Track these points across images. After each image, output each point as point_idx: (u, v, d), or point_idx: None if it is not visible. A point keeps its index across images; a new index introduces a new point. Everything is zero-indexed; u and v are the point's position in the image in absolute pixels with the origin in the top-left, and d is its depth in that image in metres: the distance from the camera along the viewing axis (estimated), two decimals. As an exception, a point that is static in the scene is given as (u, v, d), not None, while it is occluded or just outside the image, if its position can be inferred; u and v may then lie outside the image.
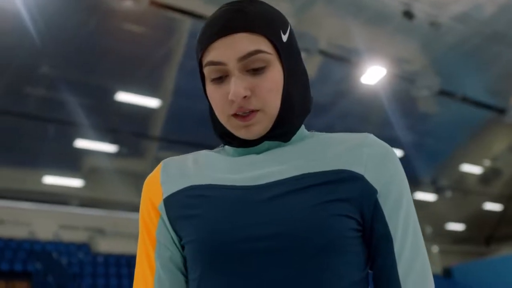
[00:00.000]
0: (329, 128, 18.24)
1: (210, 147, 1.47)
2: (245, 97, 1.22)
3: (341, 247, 1.19)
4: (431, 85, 16.88)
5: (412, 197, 1.29)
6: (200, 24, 9.54)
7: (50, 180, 18.78)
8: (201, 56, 1.26)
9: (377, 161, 1.25)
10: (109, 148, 17.98)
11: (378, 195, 1.24)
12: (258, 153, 1.29)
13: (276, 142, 1.29)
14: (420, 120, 19.19)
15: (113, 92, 15.78)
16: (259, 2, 1.29)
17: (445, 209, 25.27)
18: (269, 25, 1.25)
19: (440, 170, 22.80)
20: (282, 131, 1.28)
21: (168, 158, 1.37)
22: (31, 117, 16.08)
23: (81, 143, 17.50)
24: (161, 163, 1.36)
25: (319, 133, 1.36)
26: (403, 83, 16.75)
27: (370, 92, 16.65)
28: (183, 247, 1.28)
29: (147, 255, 1.31)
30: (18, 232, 17.86)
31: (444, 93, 17.55)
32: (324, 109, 17.12)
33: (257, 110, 1.23)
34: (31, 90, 15.68)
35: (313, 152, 1.27)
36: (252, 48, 1.21)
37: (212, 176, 1.28)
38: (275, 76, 1.24)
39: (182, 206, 1.27)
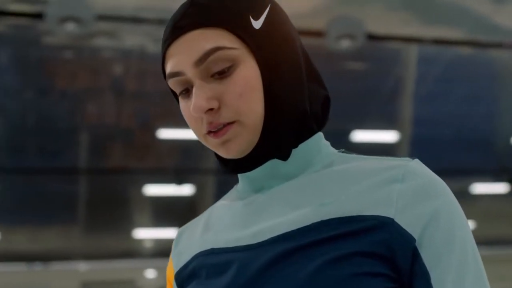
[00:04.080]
0: None
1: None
2: (212, 109, 0.97)
3: None
4: None
5: None
6: (428, 49, 9.11)
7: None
8: (163, 67, 1.03)
9: (412, 198, 0.93)
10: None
11: (417, 243, 0.91)
12: (265, 180, 1.03)
13: (281, 164, 1.02)
14: None
15: (348, 133, 15.93)
16: None
17: None
18: (231, 13, 0.98)
19: None
20: (272, 144, 1.01)
21: (183, 226, 1.21)
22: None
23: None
24: (177, 233, 1.21)
25: (347, 155, 1.07)
26: None
27: None
28: None
29: None
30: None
31: None
32: None
33: (233, 122, 0.97)
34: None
35: (331, 189, 0.99)
36: (208, 46, 0.95)
37: (216, 238, 1.07)
38: (246, 76, 0.97)
39: (188, 282, 1.08)
